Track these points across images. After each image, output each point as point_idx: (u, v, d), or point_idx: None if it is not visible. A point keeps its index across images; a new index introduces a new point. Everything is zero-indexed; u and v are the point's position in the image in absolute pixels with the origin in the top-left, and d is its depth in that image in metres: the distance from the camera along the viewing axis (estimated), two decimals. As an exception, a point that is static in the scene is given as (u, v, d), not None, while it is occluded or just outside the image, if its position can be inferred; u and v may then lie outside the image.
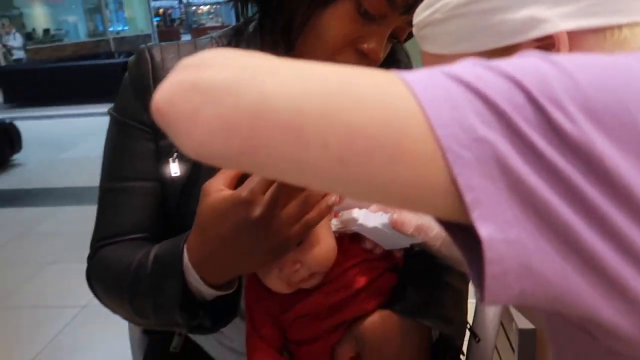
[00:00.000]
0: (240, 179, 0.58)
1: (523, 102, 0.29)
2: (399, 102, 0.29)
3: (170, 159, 0.70)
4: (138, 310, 0.66)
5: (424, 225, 0.62)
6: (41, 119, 6.86)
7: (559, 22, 0.43)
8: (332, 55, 0.66)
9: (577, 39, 0.43)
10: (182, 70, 0.32)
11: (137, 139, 0.71)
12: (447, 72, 0.31)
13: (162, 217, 0.71)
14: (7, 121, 4.89)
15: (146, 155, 0.71)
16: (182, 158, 0.70)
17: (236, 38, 0.74)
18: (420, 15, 0.50)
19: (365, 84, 0.30)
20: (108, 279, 0.69)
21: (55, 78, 7.71)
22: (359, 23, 0.64)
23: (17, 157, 4.94)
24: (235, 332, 0.73)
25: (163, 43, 0.74)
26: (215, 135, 0.29)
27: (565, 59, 0.31)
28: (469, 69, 0.31)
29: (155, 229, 0.71)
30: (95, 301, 0.73)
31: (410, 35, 0.69)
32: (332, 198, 0.57)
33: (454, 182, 0.28)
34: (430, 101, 0.29)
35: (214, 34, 0.77)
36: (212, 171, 0.60)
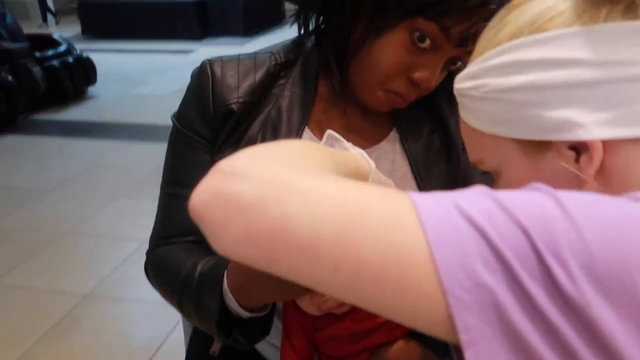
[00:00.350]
0: None
1: (528, 252, 0.30)
2: (409, 239, 0.32)
3: None
4: (185, 314, 0.74)
5: None
6: (116, 52, 7.04)
7: (594, 129, 0.41)
8: (383, 81, 0.68)
9: (614, 147, 0.41)
10: (217, 177, 0.36)
11: (195, 149, 0.77)
12: (460, 208, 0.33)
13: None
14: (84, 55, 5.04)
15: (203, 165, 0.75)
16: None
17: (294, 54, 0.77)
18: (461, 83, 0.48)
19: (380, 214, 0.32)
20: (161, 279, 0.76)
21: (131, 13, 7.84)
22: (413, 52, 0.65)
23: (91, 90, 5.12)
24: (274, 330, 0.76)
25: (225, 57, 0.78)
26: (241, 244, 0.33)
27: (578, 205, 0.32)
28: (483, 205, 0.33)
29: None
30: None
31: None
32: None
33: (452, 320, 0.30)
34: (439, 243, 0.31)
35: (274, 47, 0.80)
36: None
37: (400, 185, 0.77)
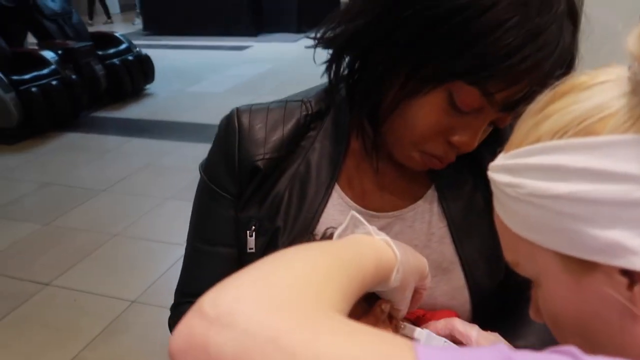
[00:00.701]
0: None
1: None
2: None
3: (248, 232, 0.71)
4: None
5: None
6: (172, 48, 7.19)
7: None
8: (419, 143, 0.63)
9: None
10: (198, 320, 0.33)
11: (221, 204, 0.74)
12: None
13: None
14: (143, 53, 5.17)
15: (230, 222, 0.73)
16: (259, 232, 0.71)
17: (326, 104, 0.73)
18: (495, 173, 0.42)
19: None
20: None
21: (186, 8, 7.98)
22: (452, 115, 0.60)
23: (149, 88, 5.24)
24: None
25: (254, 107, 0.74)
26: None
27: None
28: None
29: None
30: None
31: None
32: (385, 303, 0.56)
33: None
34: None
35: (307, 94, 0.75)
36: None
37: (437, 250, 0.71)
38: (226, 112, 0.75)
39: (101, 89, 4.67)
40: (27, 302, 2.24)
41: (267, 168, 0.71)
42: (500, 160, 0.42)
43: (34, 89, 4.03)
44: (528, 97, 0.45)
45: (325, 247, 0.45)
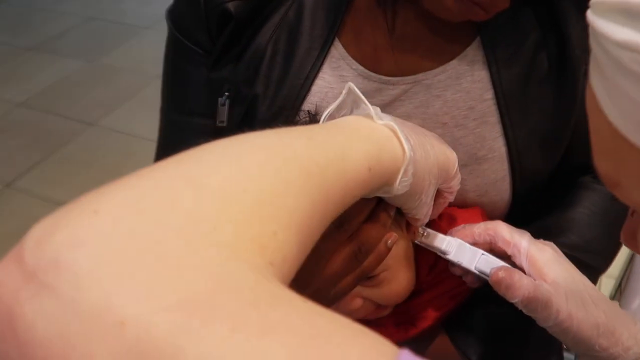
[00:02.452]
0: None
1: None
2: None
3: (220, 99, 0.55)
4: None
5: (539, 299, 0.43)
6: None
7: None
8: None
9: None
10: (14, 266, 0.19)
11: (194, 63, 0.58)
12: None
13: None
14: None
15: (206, 85, 0.58)
16: (235, 100, 0.54)
17: None
18: (604, 18, 0.23)
19: None
20: None
21: None
22: None
23: None
24: None
25: None
26: None
27: None
28: None
29: None
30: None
31: None
32: (392, 237, 0.44)
33: None
34: None
35: None
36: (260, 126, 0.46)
37: (475, 132, 0.53)
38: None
39: None
40: (72, 141, 2.25)
41: (241, 13, 0.52)
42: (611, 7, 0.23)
43: None
44: None
45: (289, 138, 0.30)
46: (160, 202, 0.22)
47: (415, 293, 0.53)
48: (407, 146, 0.37)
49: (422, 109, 0.53)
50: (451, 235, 0.50)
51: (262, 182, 0.25)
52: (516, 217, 0.57)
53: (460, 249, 0.48)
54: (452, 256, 0.49)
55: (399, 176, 0.37)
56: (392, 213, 0.44)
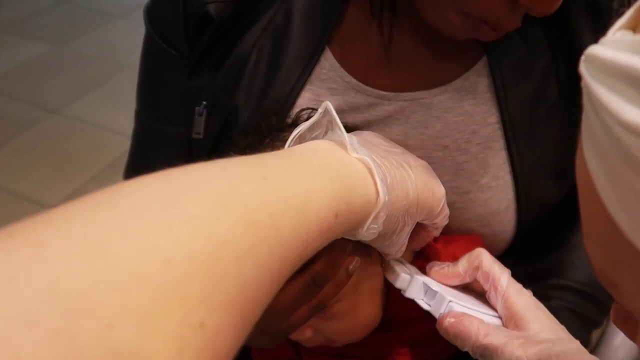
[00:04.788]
0: None
1: None
2: None
3: (197, 109, 0.50)
4: None
5: (491, 348, 0.38)
6: None
7: None
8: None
9: None
10: None
11: (171, 68, 0.53)
12: None
13: None
14: None
15: (179, 91, 0.53)
16: (213, 111, 0.49)
17: None
18: (612, 102, 0.17)
19: None
20: None
21: None
22: None
23: None
24: None
25: None
26: None
27: None
28: None
29: None
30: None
31: None
32: (353, 262, 0.39)
33: None
34: None
35: None
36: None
37: (478, 157, 0.49)
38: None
39: None
40: (33, 128, 2.15)
41: (223, 16, 0.48)
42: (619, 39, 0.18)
43: None
44: None
45: (238, 176, 0.24)
46: (36, 282, 0.14)
47: (382, 330, 0.47)
48: (381, 189, 0.32)
49: (420, 129, 0.49)
50: (431, 275, 0.44)
51: (194, 246, 0.18)
52: (519, 251, 0.54)
53: (413, 286, 0.42)
54: (407, 293, 0.43)
55: (367, 223, 0.33)
56: (352, 271, 0.39)
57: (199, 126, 0.51)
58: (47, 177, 1.93)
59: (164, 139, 0.57)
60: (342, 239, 0.37)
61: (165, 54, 0.53)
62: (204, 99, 0.50)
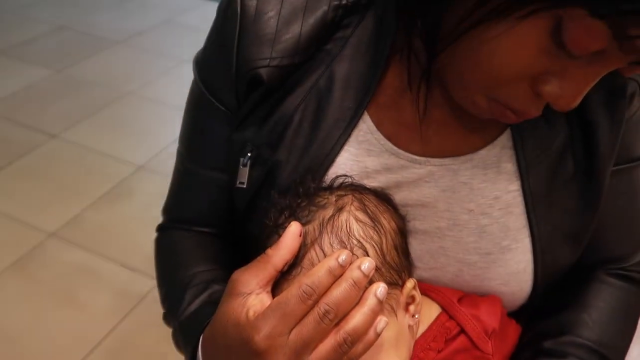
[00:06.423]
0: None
1: None
2: None
3: (242, 160, 0.53)
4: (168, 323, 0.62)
5: None
6: None
7: None
8: (490, 87, 0.43)
9: None
10: None
11: (216, 119, 0.57)
12: None
13: (231, 214, 0.61)
14: None
15: (224, 142, 0.57)
16: (256, 162, 0.53)
17: (365, 3, 0.51)
18: None
19: None
20: (160, 273, 0.65)
21: None
22: (550, 54, 0.39)
23: None
24: None
25: None
26: None
27: None
28: None
29: (225, 224, 0.64)
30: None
31: None
32: (381, 323, 0.41)
33: None
34: None
35: None
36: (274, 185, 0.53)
37: (500, 221, 0.53)
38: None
39: None
40: (32, 153, 2.18)
41: (273, 79, 0.51)
42: None
43: None
44: None
45: None
46: None
47: None
48: None
49: (448, 193, 0.53)
50: None
51: None
52: (532, 308, 0.57)
53: None
54: None
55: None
56: (382, 294, 0.41)
57: (243, 176, 0.54)
58: (47, 202, 1.95)
59: (205, 181, 0.60)
60: (373, 296, 0.41)
61: (212, 106, 0.57)
62: (248, 151, 0.54)
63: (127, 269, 1.73)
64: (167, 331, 0.60)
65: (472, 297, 0.54)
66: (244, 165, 0.54)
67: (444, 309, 0.53)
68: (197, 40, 2.78)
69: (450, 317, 0.52)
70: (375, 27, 0.51)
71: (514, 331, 0.58)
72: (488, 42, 0.40)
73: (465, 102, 0.47)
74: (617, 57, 0.38)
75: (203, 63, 0.57)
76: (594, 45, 0.37)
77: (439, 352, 0.51)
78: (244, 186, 0.54)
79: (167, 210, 0.67)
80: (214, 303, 0.50)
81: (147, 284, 1.67)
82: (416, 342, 0.50)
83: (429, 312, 0.53)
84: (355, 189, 0.50)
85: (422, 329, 0.51)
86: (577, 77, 0.40)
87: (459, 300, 0.53)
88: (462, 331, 0.52)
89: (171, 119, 2.46)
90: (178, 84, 2.72)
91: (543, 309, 0.58)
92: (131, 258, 1.76)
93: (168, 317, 0.60)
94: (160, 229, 0.68)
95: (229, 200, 0.59)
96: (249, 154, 0.54)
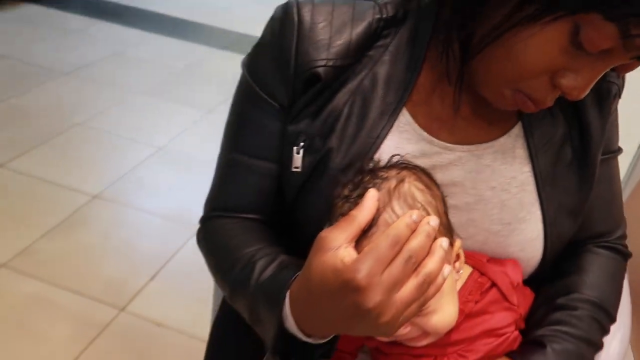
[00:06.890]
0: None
1: None
2: None
3: (295, 149, 0.62)
4: (235, 307, 0.65)
5: None
6: None
7: None
8: (516, 80, 0.54)
9: None
10: None
11: (266, 113, 0.65)
12: None
13: (278, 202, 0.68)
14: None
15: (273, 134, 0.65)
16: (309, 150, 0.62)
17: (405, 10, 0.62)
18: None
19: None
20: (214, 261, 0.68)
21: None
22: (568, 53, 0.50)
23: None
24: None
25: (317, 0, 0.62)
26: None
27: None
28: None
29: (270, 212, 0.69)
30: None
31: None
32: (447, 269, 0.50)
33: None
34: None
35: None
36: (333, 173, 0.61)
37: (517, 197, 0.65)
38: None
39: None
40: (-22, 182, 2.10)
41: (329, 77, 0.61)
42: None
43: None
44: None
45: None
46: None
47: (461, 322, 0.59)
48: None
49: (473, 174, 0.64)
50: None
51: None
52: (542, 275, 0.69)
53: None
54: None
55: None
56: (446, 245, 0.50)
57: (298, 162, 0.63)
58: (-3, 233, 1.89)
59: (251, 170, 0.67)
60: (440, 248, 0.49)
61: (265, 102, 0.64)
62: (301, 140, 0.62)
63: (87, 298, 1.70)
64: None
65: (497, 259, 0.66)
66: (298, 152, 0.62)
67: (475, 268, 0.63)
68: (148, 73, 2.85)
69: (482, 274, 0.62)
70: (411, 37, 0.62)
71: (529, 294, 0.69)
72: (518, 43, 0.50)
73: (493, 94, 0.57)
74: (621, 53, 0.48)
75: (255, 64, 0.65)
76: (606, 44, 0.47)
77: (476, 302, 0.61)
78: (299, 170, 0.63)
79: (211, 201, 0.72)
80: (288, 268, 0.57)
81: (109, 313, 1.64)
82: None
83: (463, 271, 0.62)
84: (406, 166, 0.59)
85: (458, 285, 0.61)
86: (588, 72, 0.51)
87: (487, 261, 0.64)
88: (493, 285, 0.62)
89: (123, 149, 2.45)
90: (130, 115, 2.72)
91: (549, 277, 0.70)
92: (90, 287, 1.73)
93: (236, 294, 0.63)
94: (203, 220, 0.72)
95: (275, 188, 0.67)
96: (302, 143, 0.62)
